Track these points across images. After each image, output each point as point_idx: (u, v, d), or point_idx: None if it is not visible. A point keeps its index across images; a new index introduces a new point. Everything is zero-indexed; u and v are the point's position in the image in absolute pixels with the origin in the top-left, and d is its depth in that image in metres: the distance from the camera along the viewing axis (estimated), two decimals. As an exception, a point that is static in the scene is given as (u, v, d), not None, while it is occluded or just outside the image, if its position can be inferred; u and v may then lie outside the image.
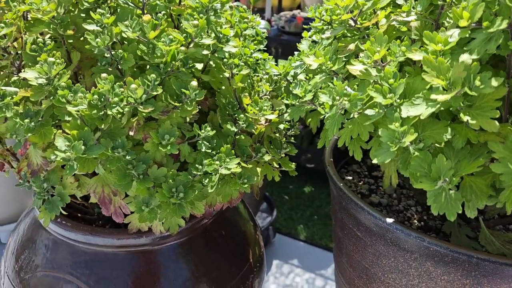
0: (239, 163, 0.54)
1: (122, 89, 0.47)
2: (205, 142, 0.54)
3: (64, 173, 0.44)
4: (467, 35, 0.36)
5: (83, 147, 0.46)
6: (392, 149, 0.38)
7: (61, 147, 0.46)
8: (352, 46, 0.50)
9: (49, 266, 0.62)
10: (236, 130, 0.56)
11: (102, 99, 0.47)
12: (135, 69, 0.53)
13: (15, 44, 0.56)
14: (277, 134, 0.64)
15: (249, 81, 0.60)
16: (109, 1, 0.55)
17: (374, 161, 0.40)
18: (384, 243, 0.55)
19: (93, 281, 0.60)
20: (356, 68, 0.43)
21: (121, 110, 0.47)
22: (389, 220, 0.53)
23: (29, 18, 0.57)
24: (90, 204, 0.64)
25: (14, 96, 0.49)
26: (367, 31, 0.51)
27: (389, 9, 0.49)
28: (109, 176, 0.52)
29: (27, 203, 1.23)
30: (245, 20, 0.64)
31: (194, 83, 0.50)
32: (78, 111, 0.47)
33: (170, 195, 0.51)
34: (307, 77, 0.59)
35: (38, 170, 0.53)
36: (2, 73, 0.56)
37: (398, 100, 0.39)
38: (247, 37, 0.63)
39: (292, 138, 0.65)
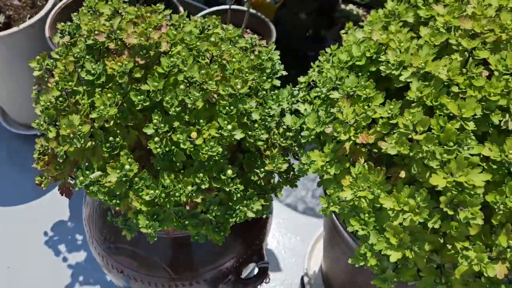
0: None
1: (180, 185, 0.67)
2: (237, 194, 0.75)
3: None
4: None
5: (157, 223, 0.68)
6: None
7: (144, 221, 0.68)
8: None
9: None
10: (257, 178, 0.77)
11: (166, 190, 0.67)
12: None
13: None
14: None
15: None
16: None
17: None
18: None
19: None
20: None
21: (177, 199, 0.68)
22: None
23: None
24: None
25: (100, 179, 0.69)
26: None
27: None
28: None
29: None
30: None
31: (230, 171, 0.69)
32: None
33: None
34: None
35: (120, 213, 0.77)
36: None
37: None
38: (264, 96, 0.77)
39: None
